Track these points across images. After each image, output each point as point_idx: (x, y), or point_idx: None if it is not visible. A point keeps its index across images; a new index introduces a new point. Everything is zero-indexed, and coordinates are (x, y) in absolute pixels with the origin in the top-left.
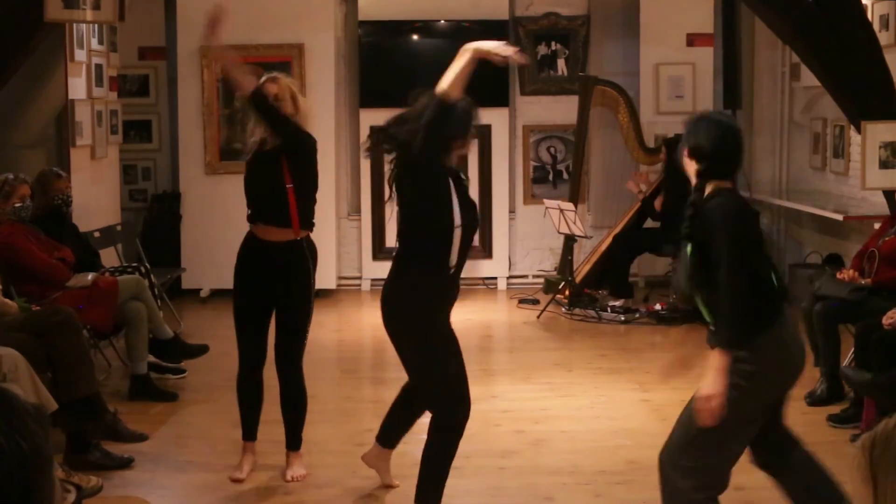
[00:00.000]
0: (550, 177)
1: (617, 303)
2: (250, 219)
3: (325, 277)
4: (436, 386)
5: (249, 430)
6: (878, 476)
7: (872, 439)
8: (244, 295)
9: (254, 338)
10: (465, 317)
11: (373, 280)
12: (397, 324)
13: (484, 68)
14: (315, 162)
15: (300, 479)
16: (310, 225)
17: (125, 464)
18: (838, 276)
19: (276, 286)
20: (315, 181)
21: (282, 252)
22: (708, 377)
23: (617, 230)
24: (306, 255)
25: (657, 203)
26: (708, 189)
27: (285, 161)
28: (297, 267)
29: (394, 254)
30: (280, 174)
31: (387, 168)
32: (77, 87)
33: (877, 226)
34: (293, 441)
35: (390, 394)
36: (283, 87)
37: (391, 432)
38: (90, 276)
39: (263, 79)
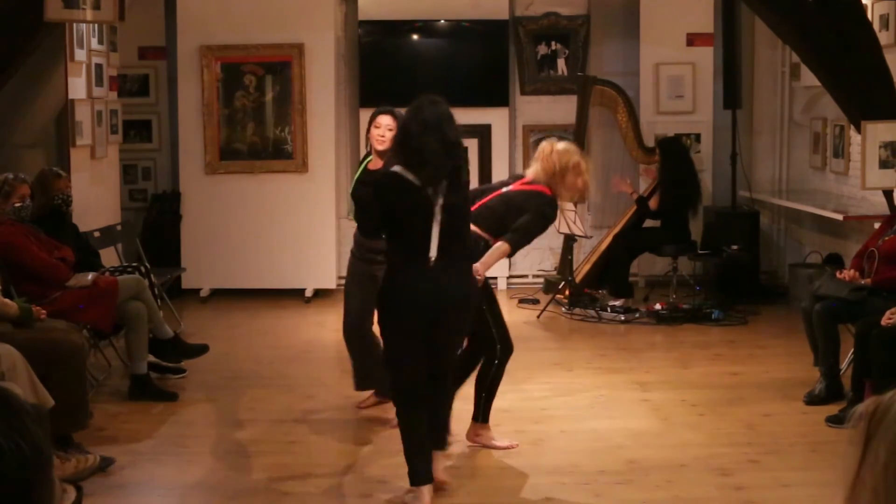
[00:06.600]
0: None
1: (617, 302)
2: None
3: (325, 277)
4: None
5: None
6: (872, 437)
7: (876, 404)
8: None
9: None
10: None
11: None
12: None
13: (484, 68)
14: None
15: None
16: None
17: (106, 465)
18: (838, 275)
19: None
20: None
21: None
22: None
23: (616, 230)
24: None
25: (652, 203)
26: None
27: None
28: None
29: (443, 256)
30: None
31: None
32: (77, 86)
33: (877, 226)
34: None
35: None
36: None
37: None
38: (90, 276)
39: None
